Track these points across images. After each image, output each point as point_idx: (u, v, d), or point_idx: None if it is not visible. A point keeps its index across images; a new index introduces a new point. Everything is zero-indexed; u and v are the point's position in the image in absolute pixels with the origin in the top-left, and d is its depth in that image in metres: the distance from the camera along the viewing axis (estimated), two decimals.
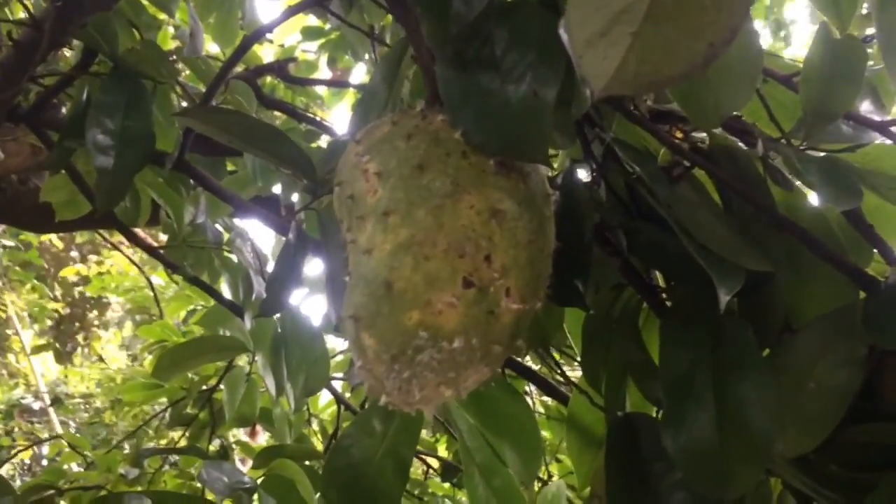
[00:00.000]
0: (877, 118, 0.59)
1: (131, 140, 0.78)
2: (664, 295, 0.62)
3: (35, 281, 4.31)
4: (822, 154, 0.57)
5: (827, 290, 0.55)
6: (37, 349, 5.83)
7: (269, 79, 2.26)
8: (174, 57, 0.98)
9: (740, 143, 0.60)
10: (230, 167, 1.41)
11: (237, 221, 1.14)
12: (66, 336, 6.27)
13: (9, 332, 5.74)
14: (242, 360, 1.17)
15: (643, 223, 0.58)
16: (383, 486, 0.69)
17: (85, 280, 4.89)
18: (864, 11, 0.69)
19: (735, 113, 0.61)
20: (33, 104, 0.89)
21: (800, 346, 0.53)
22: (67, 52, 1.13)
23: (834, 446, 0.53)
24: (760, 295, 0.54)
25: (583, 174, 0.67)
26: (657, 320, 0.68)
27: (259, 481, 0.92)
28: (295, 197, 1.06)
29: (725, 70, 0.48)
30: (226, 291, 1.06)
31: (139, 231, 1.65)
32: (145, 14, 1.09)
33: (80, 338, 6.39)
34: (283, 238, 0.79)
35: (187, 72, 1.08)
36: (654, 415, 0.65)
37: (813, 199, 0.57)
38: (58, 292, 5.76)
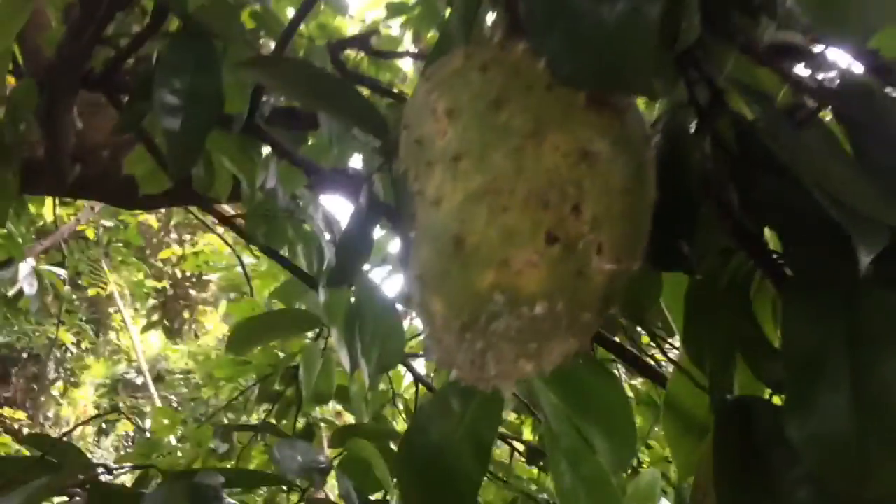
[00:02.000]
0: None
1: (199, 100, 0.74)
2: (781, 261, 0.54)
3: (136, 260, 4.46)
4: None
5: None
6: (147, 327, 6.08)
7: (352, 55, 2.23)
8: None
9: (879, 82, 0.51)
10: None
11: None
12: (172, 314, 6.52)
13: (111, 310, 5.99)
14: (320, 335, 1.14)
15: (762, 175, 0.50)
16: (462, 470, 0.63)
17: (182, 259, 5.05)
18: None
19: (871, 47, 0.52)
20: (105, 68, 0.87)
21: None
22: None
23: None
24: None
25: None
26: (769, 292, 0.59)
27: (335, 462, 0.88)
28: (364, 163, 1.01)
29: None
30: (302, 263, 1.02)
31: (222, 206, 1.64)
32: None
33: (186, 314, 6.63)
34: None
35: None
36: (769, 398, 0.58)
37: None
38: (160, 273, 5.97)
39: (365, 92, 2.19)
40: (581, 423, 0.67)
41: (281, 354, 1.89)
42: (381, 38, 2.41)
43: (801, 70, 0.53)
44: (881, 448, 0.39)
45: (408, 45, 2.50)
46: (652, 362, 0.74)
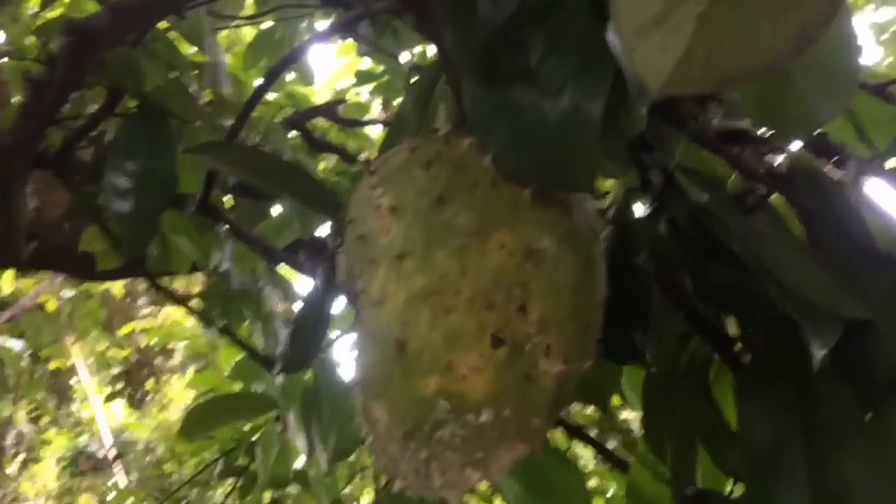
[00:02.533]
0: None
1: (152, 183, 0.73)
2: (739, 346, 0.53)
3: (94, 332, 4.37)
4: None
5: None
6: (111, 396, 5.92)
7: (321, 122, 2.25)
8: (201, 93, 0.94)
9: (827, 166, 0.51)
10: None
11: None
12: (136, 383, 6.37)
13: (73, 381, 5.84)
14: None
15: (714, 262, 0.49)
16: None
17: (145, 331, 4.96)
18: None
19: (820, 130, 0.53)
20: (59, 148, 0.86)
21: None
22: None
23: None
24: (859, 347, 0.45)
25: (640, 207, 0.59)
26: (730, 376, 0.58)
27: None
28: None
29: (817, 68, 0.39)
30: (260, 343, 1.00)
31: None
32: (180, 56, 1.05)
33: (150, 384, 6.48)
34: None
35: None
36: (730, 488, 0.56)
37: None
38: (123, 341, 5.86)
39: (332, 160, 2.19)
40: None
41: (246, 427, 1.84)
42: (350, 105, 2.43)
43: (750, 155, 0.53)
44: None
45: (376, 111, 2.52)
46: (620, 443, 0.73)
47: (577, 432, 0.68)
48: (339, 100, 2.31)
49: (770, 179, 0.48)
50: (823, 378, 0.43)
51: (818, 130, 0.52)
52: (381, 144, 0.58)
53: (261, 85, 0.76)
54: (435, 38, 0.47)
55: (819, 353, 0.39)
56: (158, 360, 6.39)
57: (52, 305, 3.82)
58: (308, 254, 1.19)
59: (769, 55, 0.25)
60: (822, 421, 0.42)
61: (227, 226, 0.80)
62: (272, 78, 0.78)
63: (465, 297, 0.35)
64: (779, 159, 0.53)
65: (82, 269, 1.81)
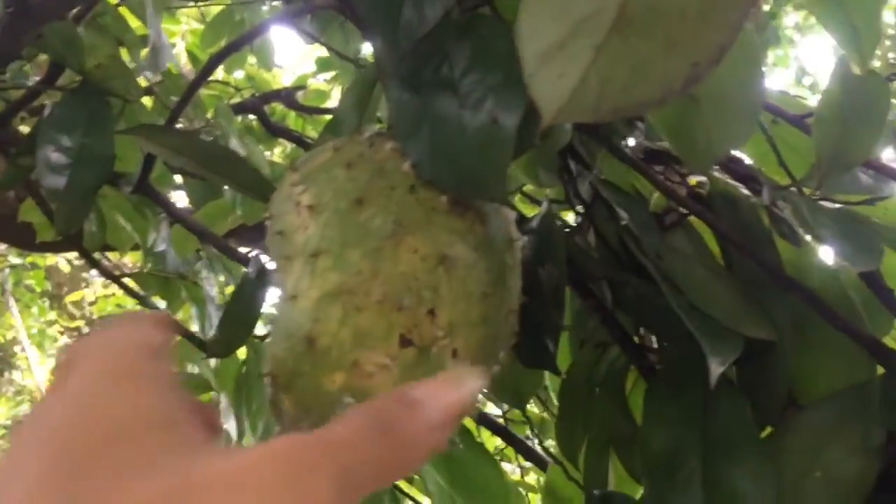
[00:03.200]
0: None
1: (88, 160, 0.72)
2: (655, 357, 0.55)
3: (39, 302, 4.28)
4: (837, 206, 0.50)
5: (839, 363, 0.47)
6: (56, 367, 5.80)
7: (279, 108, 2.23)
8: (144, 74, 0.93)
9: (745, 190, 0.53)
10: None
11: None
12: None
13: (16, 349, 5.71)
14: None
15: (630, 275, 0.51)
16: None
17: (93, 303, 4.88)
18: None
19: (739, 155, 0.55)
20: None
21: (805, 427, 0.45)
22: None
23: None
24: (761, 365, 0.47)
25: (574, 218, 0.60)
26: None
27: None
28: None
29: (720, 102, 0.41)
30: (195, 325, 1.00)
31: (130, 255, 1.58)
32: (130, 32, 1.04)
33: None
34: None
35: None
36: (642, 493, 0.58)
37: (825, 256, 0.50)
38: (74, 311, 5.75)
39: (290, 146, 2.18)
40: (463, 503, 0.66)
41: None
42: (310, 91, 2.41)
43: (674, 174, 0.55)
44: None
45: (336, 99, 2.51)
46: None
47: (500, 432, 0.70)
48: (299, 86, 2.30)
49: (689, 201, 0.50)
50: (725, 393, 0.45)
51: (738, 154, 0.54)
52: (316, 141, 0.58)
53: (207, 64, 0.75)
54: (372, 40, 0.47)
55: (716, 370, 0.40)
56: None
57: None
58: (250, 237, 1.18)
59: (660, 89, 0.26)
60: (719, 433, 0.44)
61: (163, 209, 0.80)
62: (221, 58, 0.77)
63: (376, 298, 0.36)
64: (700, 180, 0.54)
65: (24, 239, 1.78)
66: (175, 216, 0.78)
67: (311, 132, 2.27)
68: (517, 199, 0.74)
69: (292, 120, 2.32)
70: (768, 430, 0.47)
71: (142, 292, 0.98)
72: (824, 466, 0.44)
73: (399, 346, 0.36)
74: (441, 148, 0.38)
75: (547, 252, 0.47)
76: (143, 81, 0.94)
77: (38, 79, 0.91)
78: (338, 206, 0.38)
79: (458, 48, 0.39)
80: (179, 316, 1.09)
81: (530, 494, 1.20)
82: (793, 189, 0.51)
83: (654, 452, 0.44)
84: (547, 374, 0.67)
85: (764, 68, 0.42)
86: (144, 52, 1.05)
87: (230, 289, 1.10)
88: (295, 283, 0.38)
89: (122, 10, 1.00)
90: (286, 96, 2.10)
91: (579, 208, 0.57)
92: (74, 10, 0.85)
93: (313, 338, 0.36)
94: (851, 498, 0.43)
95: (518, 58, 0.35)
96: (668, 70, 0.26)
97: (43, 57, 0.95)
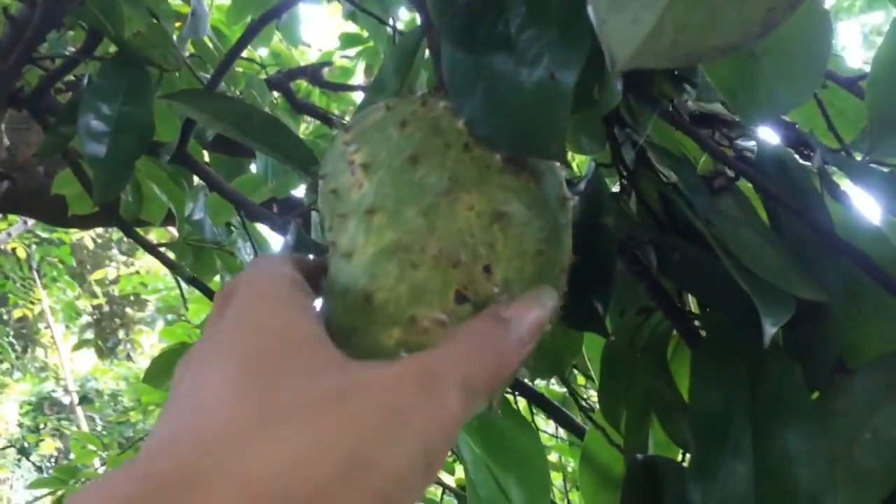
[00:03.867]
0: None
1: (127, 128, 0.72)
2: (697, 323, 0.54)
3: (67, 278, 4.33)
4: (888, 169, 0.49)
5: (890, 325, 0.47)
6: (79, 345, 5.88)
7: (304, 84, 2.23)
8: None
9: (794, 154, 0.52)
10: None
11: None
12: (106, 332, 6.32)
13: (41, 325, 5.79)
14: None
15: (677, 239, 0.50)
16: None
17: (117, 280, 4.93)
18: None
19: (790, 119, 0.54)
20: (35, 88, 0.85)
21: (856, 390, 0.45)
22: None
23: None
24: (811, 328, 0.46)
25: (614, 184, 0.60)
26: (688, 352, 0.60)
27: None
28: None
29: (785, 54, 0.40)
30: None
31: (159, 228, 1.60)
32: (164, 3, 1.04)
33: (121, 334, 6.44)
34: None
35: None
36: (681, 459, 0.58)
37: (876, 219, 0.49)
38: (96, 289, 5.81)
39: (314, 123, 2.18)
40: (499, 472, 0.66)
41: None
42: (335, 68, 2.41)
43: (722, 138, 0.54)
44: None
45: (360, 76, 2.50)
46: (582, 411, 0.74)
47: (537, 399, 0.70)
48: (324, 62, 2.29)
49: (738, 163, 0.49)
50: (774, 356, 0.45)
51: (788, 119, 0.53)
52: (360, 105, 0.58)
53: (242, 37, 0.75)
54: (417, 2, 0.47)
55: (770, 330, 0.40)
56: (130, 311, 6.36)
57: (21, 251, 3.78)
58: (281, 210, 1.19)
59: (735, 36, 0.26)
60: (769, 397, 0.44)
61: (201, 177, 0.80)
62: (254, 31, 0.78)
63: (432, 254, 0.36)
64: (749, 144, 0.54)
65: (53, 214, 1.80)
66: (212, 183, 0.78)
67: (336, 109, 2.27)
68: None
69: (317, 97, 2.32)
70: (816, 394, 0.47)
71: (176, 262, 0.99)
72: (875, 429, 0.44)
73: (455, 303, 0.36)
74: (498, 106, 0.37)
75: (596, 214, 0.47)
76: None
77: (74, 49, 0.92)
78: (392, 163, 0.38)
79: (513, 4, 0.39)
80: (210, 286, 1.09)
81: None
82: (843, 153, 0.50)
83: (703, 417, 0.44)
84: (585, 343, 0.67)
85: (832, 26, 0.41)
86: (177, 24, 1.05)
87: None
88: (350, 240, 0.38)
89: None
90: (312, 73, 2.10)
91: (623, 173, 0.57)
92: None
93: (370, 294, 0.36)
94: None
95: (578, 14, 0.35)
96: (744, 15, 0.26)
97: (77, 32, 0.96)
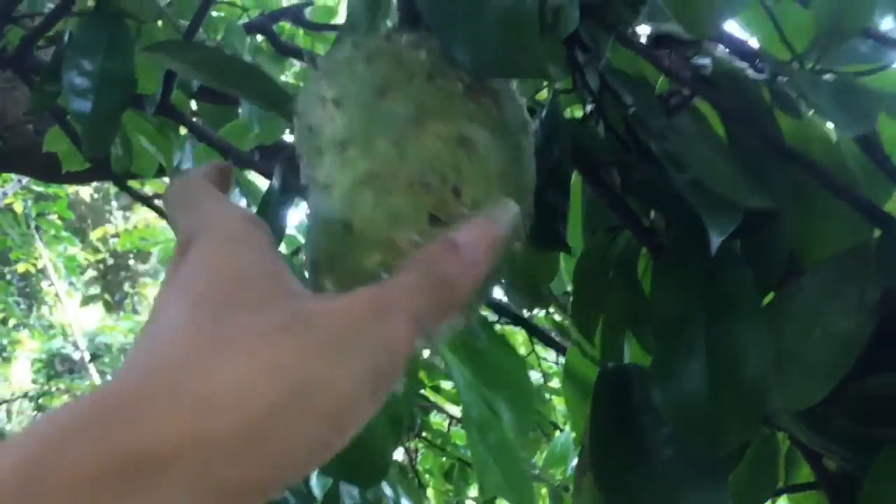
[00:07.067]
0: None
1: (111, 82, 0.74)
2: (664, 237, 0.57)
3: (65, 233, 4.36)
4: (832, 77, 0.51)
5: (838, 228, 0.50)
6: (87, 300, 5.92)
7: (288, 26, 2.21)
8: None
9: (750, 69, 0.55)
10: None
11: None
12: (113, 286, 6.37)
13: (44, 284, 5.84)
14: None
15: (637, 159, 0.53)
16: (376, 442, 0.67)
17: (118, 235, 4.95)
18: None
19: (743, 35, 0.56)
20: (17, 47, 0.86)
21: (806, 289, 0.49)
22: None
23: (843, 399, 0.49)
24: (764, 233, 0.50)
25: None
26: None
27: None
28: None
29: None
30: None
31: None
32: None
33: (127, 287, 6.48)
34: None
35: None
36: None
37: (825, 128, 0.52)
38: (99, 245, 5.83)
39: (300, 65, 2.17)
40: (487, 393, 0.70)
41: None
42: (317, 8, 2.38)
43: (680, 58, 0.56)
44: (731, 409, 0.44)
45: (343, 16, 2.47)
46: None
47: (519, 321, 0.74)
48: (306, 2, 2.27)
49: (693, 82, 0.51)
50: (727, 261, 0.48)
51: (741, 36, 0.55)
52: (332, 44, 0.60)
53: None
54: None
55: (716, 240, 0.43)
56: (133, 263, 6.40)
57: (19, 207, 3.80)
58: (266, 155, 1.21)
59: None
60: (722, 300, 0.47)
61: (187, 128, 0.82)
62: None
63: (404, 181, 0.39)
64: (705, 62, 0.56)
65: (47, 170, 1.81)
66: (198, 133, 0.80)
67: (321, 50, 2.25)
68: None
69: (301, 38, 2.30)
70: (772, 295, 0.51)
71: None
72: (824, 324, 0.47)
73: (428, 224, 0.39)
74: (473, 34, 0.40)
75: (554, 139, 0.50)
76: None
77: (52, 5, 0.93)
78: (361, 97, 0.41)
79: None
80: None
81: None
82: (795, 64, 0.52)
83: (662, 321, 0.48)
84: (564, 267, 0.71)
85: None
86: None
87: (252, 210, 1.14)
88: (326, 173, 0.41)
89: None
90: (294, 14, 2.08)
91: (588, 98, 0.59)
92: None
93: (349, 221, 0.39)
94: (849, 351, 0.47)
95: None
96: None
97: None
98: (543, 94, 0.62)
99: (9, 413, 6.07)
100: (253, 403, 0.23)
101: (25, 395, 5.76)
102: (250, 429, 0.23)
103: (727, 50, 0.56)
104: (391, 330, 0.27)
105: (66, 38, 0.81)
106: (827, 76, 0.52)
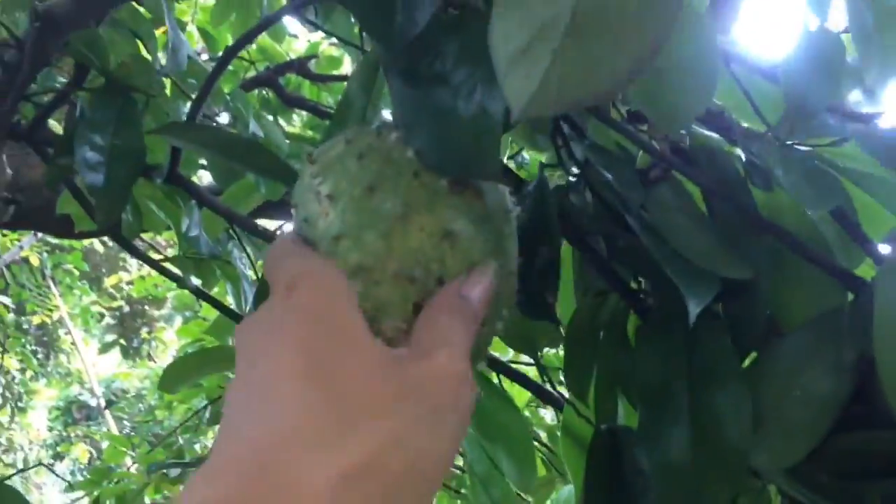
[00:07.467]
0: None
1: (121, 156, 0.78)
2: (651, 300, 0.60)
3: (80, 283, 4.42)
4: (805, 149, 0.54)
5: (813, 292, 0.52)
6: (105, 347, 5.96)
7: (294, 77, 2.26)
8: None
9: (726, 142, 0.58)
10: None
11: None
12: (130, 332, 6.40)
13: (61, 332, 5.89)
14: None
15: (619, 229, 0.56)
16: None
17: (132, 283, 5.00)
18: None
19: (720, 108, 0.59)
20: (31, 122, 0.90)
21: (784, 352, 0.51)
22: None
23: (825, 455, 0.51)
24: (743, 300, 0.52)
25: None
26: None
27: None
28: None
29: (679, 71, 0.45)
30: (231, 301, 1.07)
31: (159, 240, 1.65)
32: (145, 24, 1.09)
33: (144, 333, 6.52)
34: None
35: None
36: None
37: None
38: (114, 293, 5.88)
39: (304, 115, 2.22)
40: (490, 448, 0.73)
41: (231, 375, 1.91)
42: (322, 59, 2.44)
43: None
44: (713, 473, 0.46)
45: (348, 65, 2.53)
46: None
47: (519, 379, 0.76)
48: (311, 55, 2.32)
49: (669, 156, 0.54)
50: (707, 327, 0.50)
51: (717, 110, 0.58)
52: (329, 125, 0.63)
53: (222, 57, 0.80)
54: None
55: (695, 309, 0.45)
56: (149, 309, 6.44)
57: (35, 259, 3.86)
58: (270, 216, 1.24)
59: (609, 83, 0.31)
60: (704, 365, 0.49)
61: (192, 196, 0.85)
62: (236, 49, 0.82)
63: (391, 273, 0.42)
64: (682, 137, 0.59)
65: (62, 227, 1.86)
66: (203, 201, 0.84)
67: (327, 99, 2.30)
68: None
69: (307, 89, 2.35)
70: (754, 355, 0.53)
71: (179, 273, 1.05)
72: (803, 386, 0.50)
73: (413, 313, 0.41)
74: (440, 137, 0.43)
75: (542, 215, 0.53)
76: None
77: (64, 80, 0.97)
78: (353, 193, 0.44)
79: (448, 44, 0.44)
80: (215, 292, 1.16)
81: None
82: (769, 135, 0.55)
83: (646, 385, 0.50)
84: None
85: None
86: (160, 31, 1.09)
87: (261, 263, 1.17)
88: None
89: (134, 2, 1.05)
90: (299, 66, 2.13)
91: (574, 169, 0.62)
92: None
93: None
94: (829, 411, 0.49)
95: None
96: (615, 66, 0.31)
97: (68, 59, 1.01)
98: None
99: (25, 461, 6.08)
100: (385, 473, 0.27)
101: (44, 444, 5.78)
102: (385, 497, 0.27)
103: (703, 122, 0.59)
104: (469, 390, 0.32)
105: (77, 112, 0.85)
106: (800, 148, 0.55)
